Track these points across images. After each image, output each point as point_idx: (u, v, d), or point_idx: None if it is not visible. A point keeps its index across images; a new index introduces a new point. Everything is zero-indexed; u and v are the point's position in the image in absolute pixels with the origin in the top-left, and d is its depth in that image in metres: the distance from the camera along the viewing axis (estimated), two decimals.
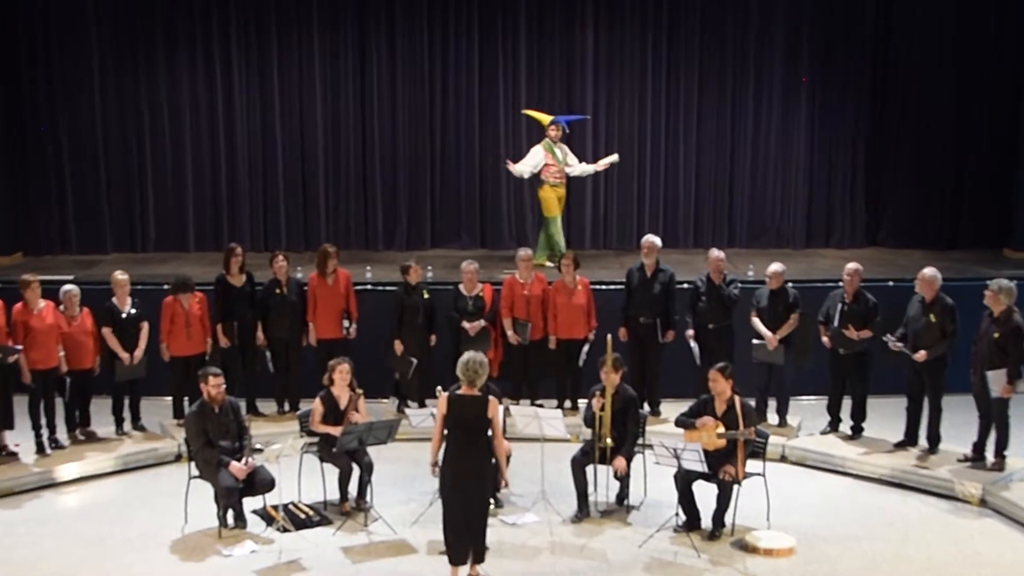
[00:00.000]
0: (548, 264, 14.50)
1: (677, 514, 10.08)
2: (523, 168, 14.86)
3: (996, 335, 10.83)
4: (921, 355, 11.22)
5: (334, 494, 10.61)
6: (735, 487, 9.94)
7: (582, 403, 12.22)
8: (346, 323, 12.83)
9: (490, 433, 8.86)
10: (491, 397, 8.82)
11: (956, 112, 16.39)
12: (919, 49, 16.27)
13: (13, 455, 11.55)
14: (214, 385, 10.16)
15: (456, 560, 8.91)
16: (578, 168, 14.91)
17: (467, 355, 8.87)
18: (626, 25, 16.44)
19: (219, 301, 12.67)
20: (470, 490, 8.76)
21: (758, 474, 10.18)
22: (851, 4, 16.36)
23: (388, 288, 13.48)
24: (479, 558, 8.95)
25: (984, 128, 16.36)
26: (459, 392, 8.82)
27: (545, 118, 15.13)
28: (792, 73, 16.49)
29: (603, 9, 16.41)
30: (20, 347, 11.35)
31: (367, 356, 12.19)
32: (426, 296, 12.83)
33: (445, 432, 8.82)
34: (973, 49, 16.20)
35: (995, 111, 16.29)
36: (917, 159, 16.51)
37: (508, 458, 10.35)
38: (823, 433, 12.25)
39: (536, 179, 14.90)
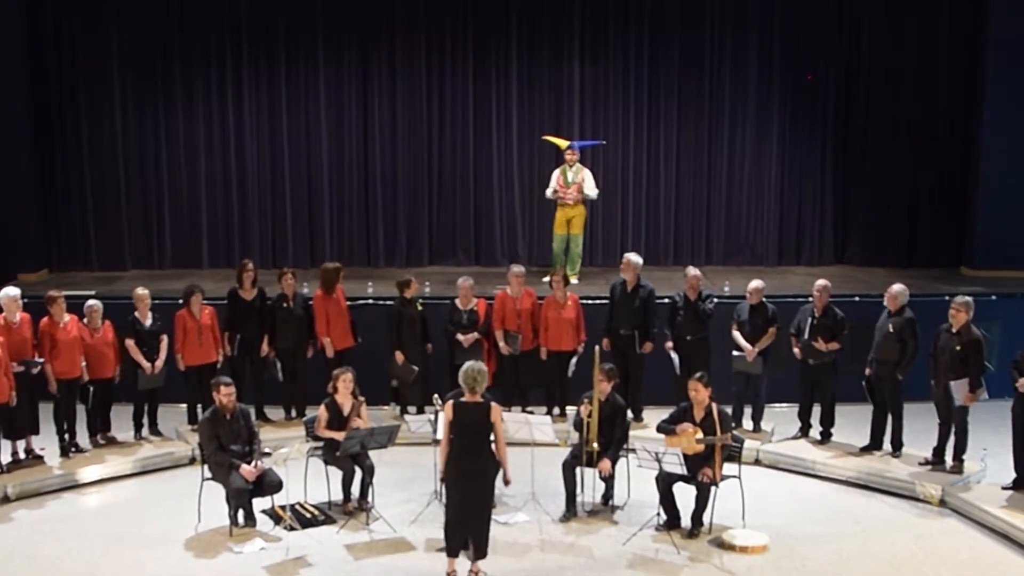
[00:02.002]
0: (574, 281, 14.51)
1: (659, 514, 10.09)
2: (548, 191, 14.91)
3: (958, 347, 10.84)
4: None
5: (338, 495, 10.60)
6: (713, 488, 9.96)
7: (570, 410, 12.24)
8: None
9: (492, 437, 8.89)
10: (493, 403, 8.87)
11: (915, 140, 16.40)
12: (881, 81, 16.28)
13: (39, 458, 11.53)
14: (225, 394, 10.16)
15: (452, 551, 8.92)
16: (592, 192, 14.91)
17: (467, 364, 8.93)
18: (610, 58, 16.43)
19: (230, 313, 12.68)
20: (473, 490, 8.81)
21: (734, 476, 10.20)
22: (819, 39, 16.37)
23: (389, 302, 13.46)
24: (480, 554, 8.94)
25: (941, 155, 16.37)
26: (463, 399, 8.86)
27: (563, 143, 15.16)
28: (764, 103, 16.50)
29: (588, 43, 16.39)
30: (42, 359, 11.36)
31: (369, 366, 12.20)
32: (420, 308, 12.83)
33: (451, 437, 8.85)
34: (930, 82, 16.24)
35: (951, 140, 16.32)
36: (880, 183, 16.51)
37: None
38: (794, 438, 12.25)
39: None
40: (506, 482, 9.06)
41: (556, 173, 14.88)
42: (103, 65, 16.02)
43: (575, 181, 14.69)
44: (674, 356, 12.57)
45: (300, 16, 16.23)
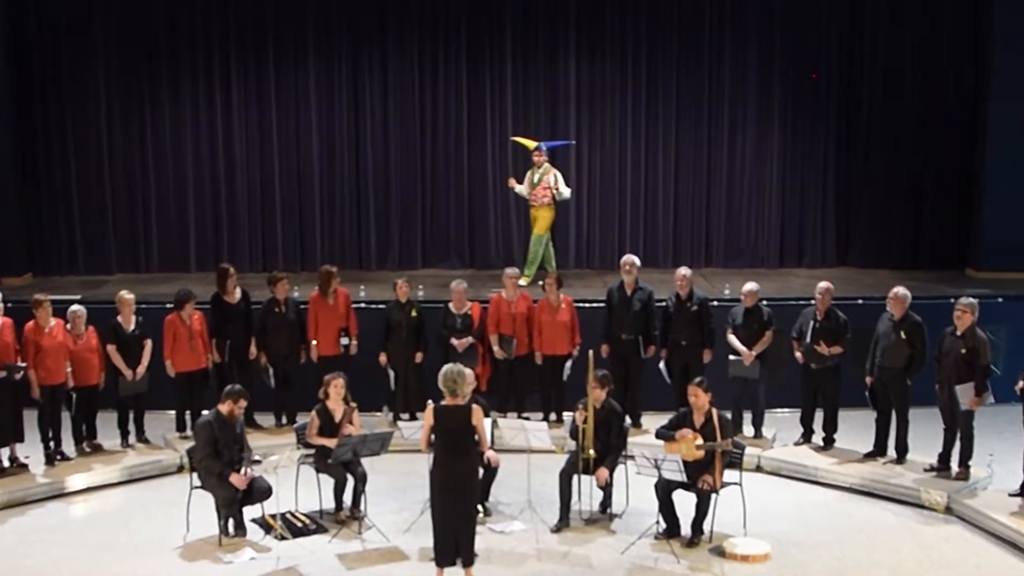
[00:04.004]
0: (522, 283, 14.38)
1: (658, 522, 10.10)
2: (519, 189, 14.97)
3: (963, 351, 10.84)
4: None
5: (329, 503, 10.62)
6: (713, 496, 9.97)
7: (567, 415, 12.24)
8: (344, 340, 12.78)
9: (476, 439, 8.95)
10: (474, 406, 8.89)
11: (919, 140, 16.40)
12: (883, 80, 16.32)
13: (23, 467, 11.52)
14: (239, 407, 10.17)
15: (441, 562, 8.94)
16: (566, 192, 14.92)
17: (446, 367, 8.99)
18: (607, 57, 16.44)
19: (215, 318, 12.65)
20: (457, 496, 8.84)
21: (735, 483, 10.21)
22: (820, 38, 16.40)
23: (381, 306, 13.45)
24: (468, 562, 8.95)
25: (945, 155, 16.39)
26: (443, 403, 8.88)
27: (531, 144, 15.18)
28: (765, 102, 16.51)
29: (585, 41, 16.40)
30: (24, 364, 11.34)
31: (361, 371, 12.19)
32: (414, 315, 12.81)
33: (433, 440, 8.90)
34: (932, 84, 16.27)
35: (955, 140, 16.34)
36: (883, 184, 16.51)
37: (496, 468, 10.38)
38: (796, 444, 12.25)
39: None
40: (489, 462, 9.45)
41: (528, 174, 14.92)
42: (88, 65, 16.00)
43: (540, 183, 14.71)
44: (662, 367, 12.57)
45: (289, 15, 16.23)
